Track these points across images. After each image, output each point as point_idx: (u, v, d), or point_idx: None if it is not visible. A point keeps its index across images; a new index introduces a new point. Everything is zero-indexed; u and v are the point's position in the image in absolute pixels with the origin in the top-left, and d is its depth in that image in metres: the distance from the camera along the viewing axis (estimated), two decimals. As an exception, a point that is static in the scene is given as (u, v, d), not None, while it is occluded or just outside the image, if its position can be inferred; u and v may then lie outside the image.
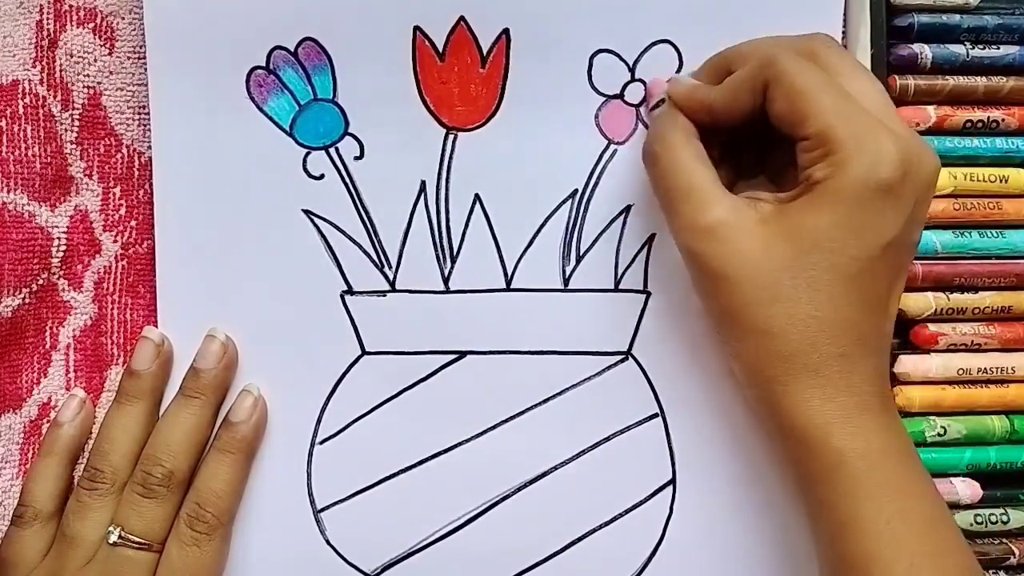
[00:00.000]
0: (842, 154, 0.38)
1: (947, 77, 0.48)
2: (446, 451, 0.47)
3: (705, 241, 0.40)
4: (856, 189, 0.38)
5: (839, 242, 0.38)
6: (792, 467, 0.41)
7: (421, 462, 0.47)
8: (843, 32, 0.48)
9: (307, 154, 0.47)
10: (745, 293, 0.39)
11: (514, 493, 0.47)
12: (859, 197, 0.38)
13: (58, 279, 0.47)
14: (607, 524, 0.47)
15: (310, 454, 0.47)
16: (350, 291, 0.47)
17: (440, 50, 0.47)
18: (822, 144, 0.38)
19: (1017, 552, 0.48)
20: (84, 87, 0.47)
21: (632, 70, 0.47)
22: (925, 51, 0.48)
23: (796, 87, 0.39)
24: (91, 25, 0.47)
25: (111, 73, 0.48)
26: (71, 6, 0.47)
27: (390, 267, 0.47)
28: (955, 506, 0.48)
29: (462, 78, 0.47)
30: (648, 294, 0.48)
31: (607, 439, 0.48)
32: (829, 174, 0.38)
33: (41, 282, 0.47)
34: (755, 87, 0.40)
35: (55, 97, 0.47)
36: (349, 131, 0.47)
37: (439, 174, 0.47)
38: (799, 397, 0.39)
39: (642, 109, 0.47)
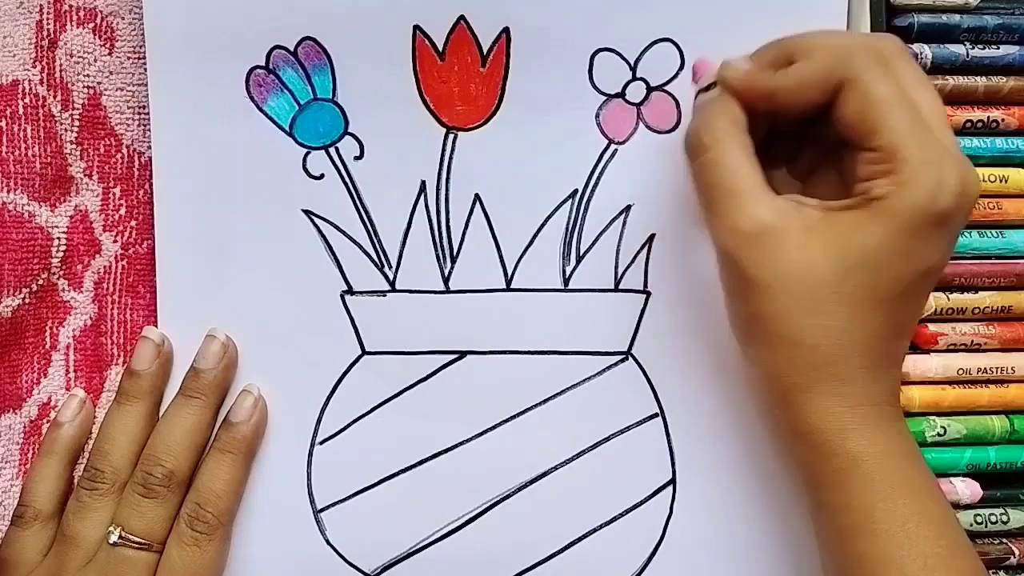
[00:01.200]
0: (906, 175, 0.37)
1: (947, 77, 0.48)
2: (446, 451, 0.47)
3: (748, 246, 0.38)
4: (914, 214, 0.37)
5: (886, 263, 0.37)
6: (803, 469, 0.40)
7: (421, 462, 0.47)
8: (843, 32, 0.48)
9: (307, 154, 0.47)
10: (782, 302, 0.38)
11: (514, 493, 0.47)
12: (915, 222, 0.37)
13: (58, 279, 0.47)
14: (607, 524, 0.47)
15: (310, 454, 0.47)
16: (350, 291, 0.47)
17: (440, 49, 0.47)
18: (888, 160, 0.37)
19: (1017, 552, 0.48)
20: (84, 87, 0.47)
21: (633, 69, 0.47)
22: (925, 51, 0.48)
23: (873, 95, 0.37)
24: (91, 25, 0.47)
25: (111, 73, 0.48)
26: (71, 6, 0.47)
27: (390, 267, 0.47)
28: (955, 506, 0.48)
29: (462, 78, 0.47)
30: (648, 294, 0.48)
31: (607, 439, 0.48)
32: (889, 193, 0.37)
33: (41, 282, 0.47)
34: (827, 84, 0.39)
35: (55, 97, 0.47)
36: (349, 131, 0.47)
37: (439, 174, 0.47)
38: (820, 404, 0.39)
39: (690, 91, 0.46)
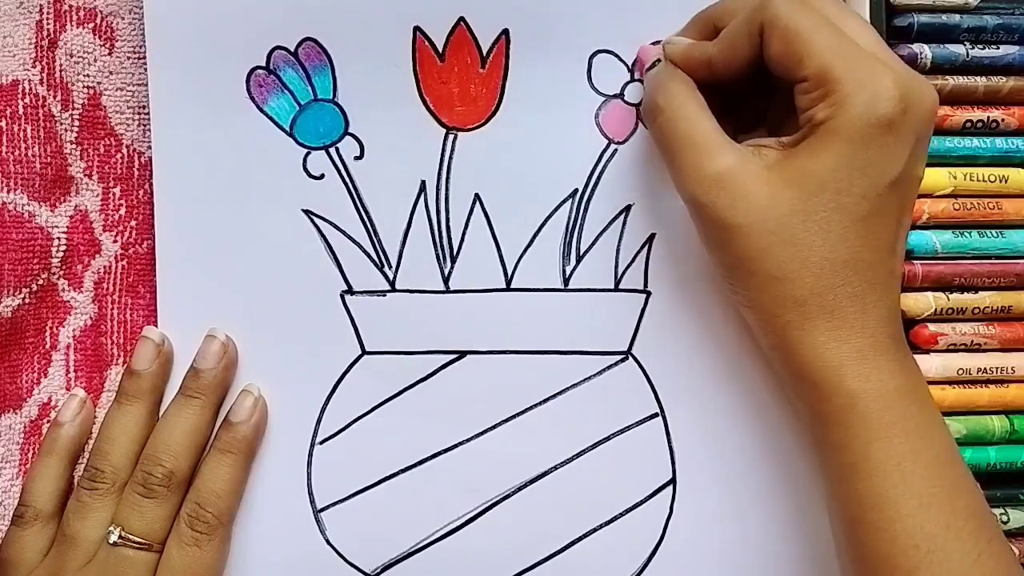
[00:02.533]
0: (841, 93, 0.38)
1: (947, 77, 0.48)
2: (446, 451, 0.47)
3: (713, 191, 0.39)
4: (858, 127, 0.37)
5: (845, 182, 0.38)
6: (805, 409, 0.41)
7: (421, 462, 0.47)
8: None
9: (307, 154, 0.47)
10: (756, 240, 0.39)
11: (514, 493, 0.47)
12: (862, 135, 0.38)
13: (58, 279, 0.47)
14: (607, 524, 0.47)
15: (310, 454, 0.47)
16: (350, 291, 0.47)
17: (440, 50, 0.47)
18: (821, 84, 0.38)
19: (1017, 552, 0.48)
20: (84, 87, 0.47)
21: (632, 70, 0.47)
22: (925, 51, 0.48)
23: (791, 28, 0.38)
24: (91, 25, 0.47)
25: (111, 73, 0.48)
26: (71, 6, 0.47)
27: (390, 267, 0.47)
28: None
29: (462, 78, 0.47)
30: (648, 294, 0.48)
31: (607, 439, 0.47)
32: (830, 114, 0.38)
33: (41, 282, 0.47)
34: (751, 32, 0.40)
35: (55, 97, 0.47)
36: (349, 131, 0.47)
37: (439, 174, 0.47)
38: (815, 340, 0.39)
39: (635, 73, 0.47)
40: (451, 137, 0.47)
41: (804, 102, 0.39)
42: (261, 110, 0.47)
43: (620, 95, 0.47)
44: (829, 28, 0.39)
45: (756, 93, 0.44)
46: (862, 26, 0.40)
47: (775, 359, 0.42)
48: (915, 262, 0.48)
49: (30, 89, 0.46)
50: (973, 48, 0.48)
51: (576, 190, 0.47)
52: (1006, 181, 0.49)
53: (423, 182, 0.47)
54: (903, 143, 0.38)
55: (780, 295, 0.39)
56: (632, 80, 0.47)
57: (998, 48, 0.49)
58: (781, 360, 0.41)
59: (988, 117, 0.49)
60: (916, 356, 0.48)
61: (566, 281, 0.47)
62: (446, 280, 0.47)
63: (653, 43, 0.47)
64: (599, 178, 0.47)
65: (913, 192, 0.41)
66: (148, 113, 0.47)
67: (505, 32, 0.47)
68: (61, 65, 0.47)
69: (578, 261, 0.47)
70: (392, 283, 0.47)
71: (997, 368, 0.49)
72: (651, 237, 0.48)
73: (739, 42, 0.40)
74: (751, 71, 0.41)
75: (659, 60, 0.44)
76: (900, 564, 0.37)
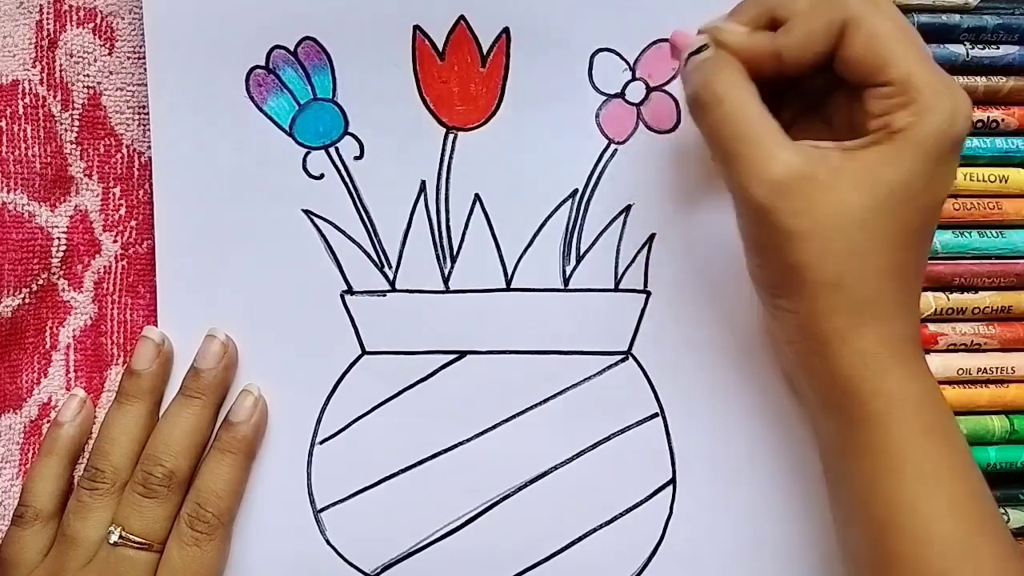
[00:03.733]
0: (924, 103, 0.37)
1: (947, 77, 0.49)
2: (446, 451, 0.47)
3: (782, 195, 0.37)
4: (937, 140, 0.37)
5: (913, 193, 0.37)
6: (836, 417, 0.40)
7: (421, 462, 0.47)
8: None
9: (307, 154, 0.47)
10: (818, 248, 0.37)
11: (514, 493, 0.47)
12: (939, 148, 0.37)
13: (58, 279, 0.47)
14: (607, 524, 0.47)
15: (310, 454, 0.47)
16: (350, 291, 0.47)
17: (440, 49, 0.47)
18: (905, 91, 0.37)
19: (1017, 552, 0.48)
20: (84, 87, 0.47)
21: (633, 69, 0.47)
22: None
23: (877, 31, 0.37)
24: (91, 25, 0.47)
25: (111, 73, 0.48)
26: (71, 6, 0.47)
27: (390, 267, 0.47)
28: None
29: (462, 77, 0.47)
30: (648, 294, 0.48)
31: (607, 439, 0.48)
32: (911, 123, 0.37)
33: (41, 282, 0.47)
34: (830, 30, 0.38)
35: (55, 97, 0.47)
36: (349, 131, 0.47)
37: (439, 174, 0.47)
38: (862, 346, 0.38)
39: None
40: (451, 137, 0.47)
41: (880, 107, 0.38)
42: (260, 110, 0.47)
43: (621, 95, 0.47)
44: (910, 35, 0.38)
45: (778, 92, 0.42)
46: (916, 32, 0.39)
47: (808, 367, 0.40)
48: (915, 262, 0.48)
49: (30, 89, 0.46)
50: (973, 48, 0.49)
51: (576, 190, 0.47)
52: (1006, 181, 0.49)
53: (423, 182, 0.47)
54: (957, 160, 0.39)
55: (835, 303, 0.38)
56: (633, 79, 0.47)
57: (998, 48, 0.49)
58: (819, 367, 0.40)
59: (988, 117, 0.49)
60: (916, 356, 0.48)
61: (566, 281, 0.47)
62: (446, 280, 0.47)
63: (659, 40, 0.47)
64: (599, 178, 0.47)
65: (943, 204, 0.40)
66: (148, 113, 0.47)
67: (505, 31, 0.47)
68: (61, 65, 0.47)
69: (578, 261, 0.47)
70: (392, 283, 0.47)
71: (997, 368, 0.49)
72: (651, 237, 0.48)
73: (816, 38, 0.38)
74: (815, 68, 0.40)
75: (705, 46, 0.40)
76: (935, 567, 0.37)
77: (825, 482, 0.43)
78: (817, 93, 0.42)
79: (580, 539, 0.47)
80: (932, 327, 0.49)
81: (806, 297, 0.38)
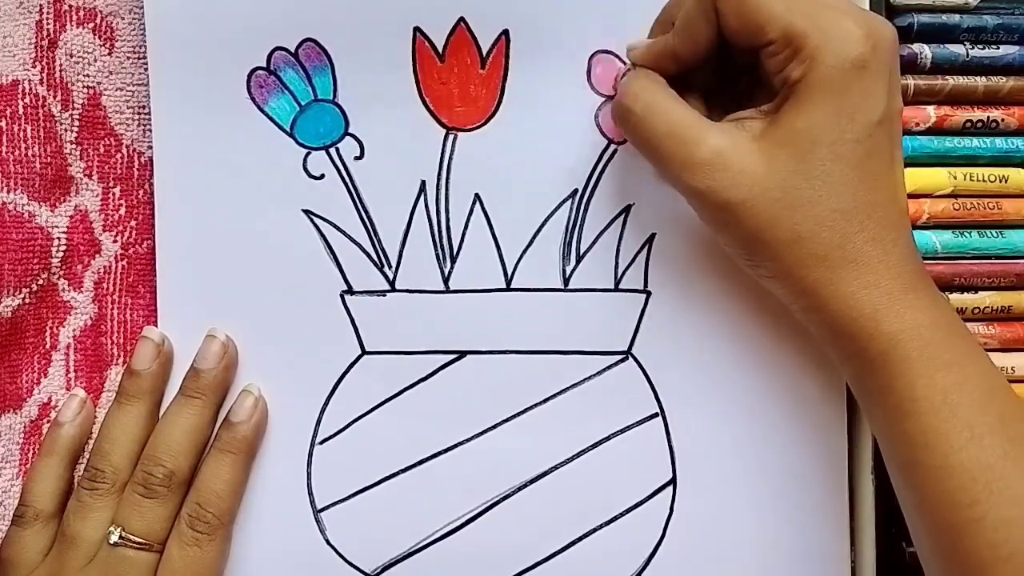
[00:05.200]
0: (810, 47, 0.38)
1: (947, 77, 0.48)
2: (446, 451, 0.47)
3: (707, 175, 0.39)
4: (835, 75, 0.38)
5: (836, 131, 0.38)
6: (847, 364, 0.41)
7: (421, 462, 0.47)
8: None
9: (307, 154, 0.47)
10: (764, 211, 0.39)
11: (514, 493, 0.47)
12: (840, 82, 0.38)
13: (58, 279, 0.47)
14: (607, 524, 0.47)
15: (310, 454, 0.47)
16: (350, 291, 0.47)
17: (440, 51, 0.47)
18: (788, 44, 0.38)
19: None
20: (84, 87, 0.47)
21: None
22: (925, 51, 0.48)
23: None
24: (91, 25, 0.47)
25: (111, 73, 0.48)
26: (71, 6, 0.47)
27: (390, 267, 0.47)
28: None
29: (462, 78, 0.47)
30: (648, 294, 0.48)
31: (607, 439, 0.47)
32: (805, 70, 0.38)
33: (41, 282, 0.47)
34: (706, 13, 0.40)
35: (55, 97, 0.47)
36: (349, 131, 0.47)
37: (439, 174, 0.47)
38: (844, 291, 0.39)
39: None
40: (451, 137, 0.47)
41: (774, 64, 0.39)
42: (261, 110, 0.47)
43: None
44: None
45: (723, 75, 0.44)
46: None
47: (811, 322, 0.41)
48: (915, 262, 0.48)
49: (30, 89, 0.46)
50: (973, 48, 0.48)
51: (576, 190, 0.47)
52: (1006, 181, 0.49)
53: (423, 182, 0.47)
54: (879, 80, 0.39)
55: (801, 257, 0.39)
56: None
57: (998, 48, 0.49)
58: (817, 320, 0.40)
59: (988, 117, 0.49)
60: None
61: (566, 281, 0.47)
62: (446, 280, 0.47)
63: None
64: (599, 178, 0.47)
65: (898, 125, 0.41)
66: (148, 113, 0.47)
67: (505, 32, 0.47)
68: (61, 65, 0.47)
69: (578, 261, 0.47)
70: (392, 283, 0.47)
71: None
72: (651, 237, 0.47)
73: (696, 26, 0.40)
74: (713, 52, 0.41)
75: (628, 70, 0.44)
76: (959, 499, 0.36)
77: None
78: (741, 76, 0.43)
79: (580, 539, 0.47)
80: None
81: (775, 259, 0.40)
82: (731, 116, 0.41)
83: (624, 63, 0.47)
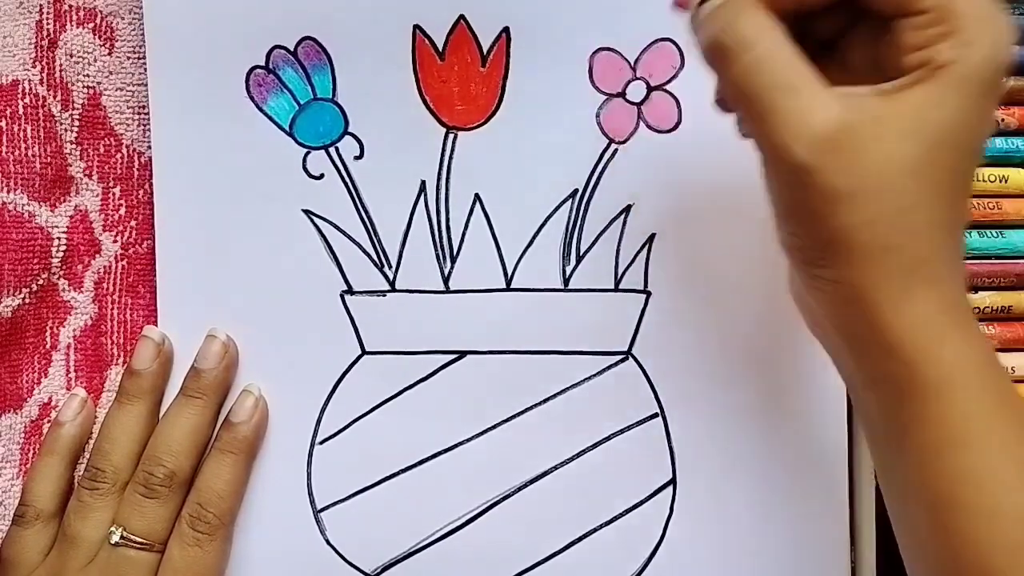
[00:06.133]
0: (970, 33, 0.32)
1: (947, 77, 0.48)
2: (446, 451, 0.47)
3: (823, 152, 0.32)
4: (987, 73, 0.33)
5: (966, 135, 0.33)
6: (888, 387, 0.35)
7: (421, 462, 0.47)
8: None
9: (307, 154, 0.47)
10: (870, 208, 0.33)
11: (514, 493, 0.47)
12: (989, 82, 0.33)
13: (58, 279, 0.47)
14: (607, 524, 0.47)
15: (310, 454, 0.48)
16: (350, 291, 0.47)
17: (440, 49, 0.47)
18: (942, 20, 0.33)
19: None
20: (84, 87, 0.47)
21: (634, 68, 0.47)
22: (925, 51, 0.48)
23: None
24: (91, 25, 0.47)
25: (111, 73, 0.48)
26: (71, 6, 0.47)
27: (390, 267, 0.47)
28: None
29: (462, 77, 0.47)
30: (648, 294, 0.48)
31: (607, 439, 0.48)
32: (956, 56, 0.32)
33: (41, 282, 0.47)
34: None
35: (55, 97, 0.47)
36: (349, 130, 0.47)
37: (439, 174, 0.47)
38: (917, 311, 0.34)
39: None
40: (451, 136, 0.47)
41: (917, 39, 0.33)
42: (260, 109, 0.47)
43: (621, 94, 0.47)
44: None
45: (810, 33, 0.37)
46: None
47: (852, 338, 0.36)
48: (915, 262, 0.48)
49: (30, 89, 0.46)
50: (974, 48, 0.48)
51: (576, 190, 0.47)
52: (1006, 181, 0.49)
53: (423, 182, 0.47)
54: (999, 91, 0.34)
55: (885, 268, 0.33)
56: (634, 79, 0.47)
57: (999, 48, 0.49)
58: (864, 338, 0.35)
59: (988, 117, 0.49)
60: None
61: (566, 281, 0.47)
62: (446, 280, 0.47)
63: (660, 39, 0.47)
64: (599, 178, 0.47)
65: None
66: (148, 113, 0.47)
67: (505, 31, 0.47)
68: (61, 65, 0.47)
69: (578, 261, 0.47)
70: (392, 283, 0.47)
71: (997, 368, 0.49)
72: (651, 237, 0.47)
73: None
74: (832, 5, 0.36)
75: None
76: (1003, 542, 0.33)
77: (874, 461, 0.39)
78: (829, 33, 0.38)
79: (580, 539, 0.47)
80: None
81: (853, 264, 0.34)
82: (841, 90, 0.34)
83: (626, 61, 0.47)
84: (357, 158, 0.47)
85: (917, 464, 0.35)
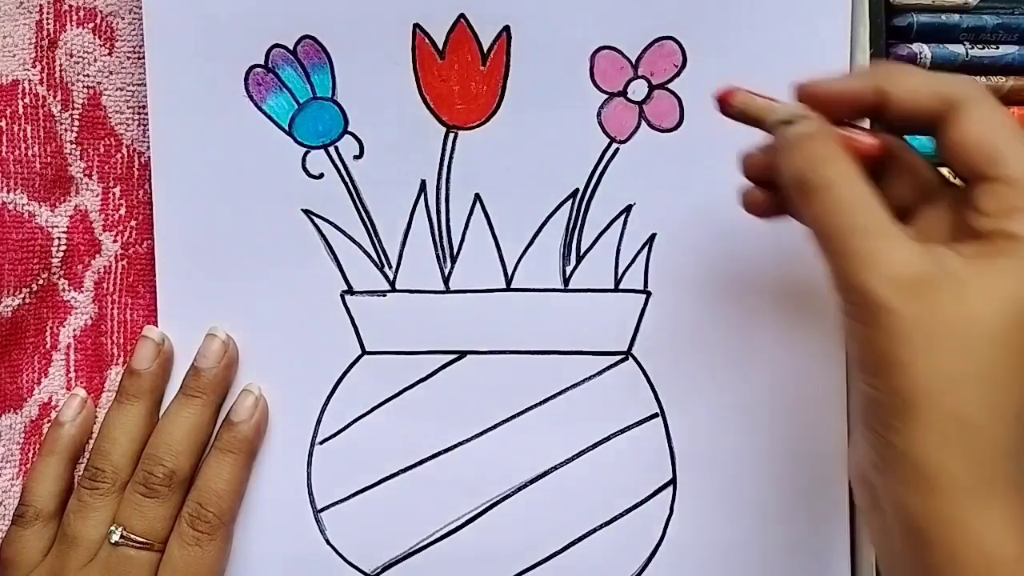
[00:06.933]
0: None
1: (947, 77, 0.48)
2: (446, 451, 0.47)
3: (909, 295, 0.31)
4: None
5: None
6: (907, 565, 0.32)
7: (421, 462, 0.47)
8: (844, 32, 0.47)
9: (306, 153, 0.47)
10: (947, 368, 0.30)
11: (514, 493, 0.47)
12: None
13: (58, 279, 0.47)
14: (607, 524, 0.47)
15: (310, 454, 0.48)
16: (350, 291, 0.47)
17: (440, 48, 0.47)
18: (1019, 187, 0.32)
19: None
20: (84, 87, 0.47)
21: (635, 67, 0.47)
22: (924, 51, 0.48)
23: (993, 120, 0.33)
24: (91, 25, 0.47)
25: (111, 73, 0.48)
26: (71, 6, 0.47)
27: (390, 267, 0.47)
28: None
29: (462, 76, 0.47)
30: (648, 294, 0.48)
31: (607, 439, 0.48)
32: None
33: (41, 282, 0.47)
34: (938, 99, 0.34)
35: (55, 97, 0.47)
36: (348, 130, 0.47)
37: (439, 173, 0.47)
38: (983, 517, 0.30)
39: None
40: (451, 136, 0.47)
41: (993, 206, 0.32)
42: (260, 109, 0.47)
43: (623, 93, 0.47)
44: (1021, 132, 0.33)
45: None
46: None
47: (911, 528, 0.31)
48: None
49: (30, 89, 0.46)
50: (973, 48, 0.48)
51: (577, 189, 0.47)
52: (1006, 181, 0.49)
53: (423, 181, 0.47)
54: None
55: (963, 448, 0.30)
56: (636, 77, 0.47)
57: (998, 48, 0.49)
58: (940, 537, 0.31)
59: (988, 117, 0.49)
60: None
61: (566, 281, 0.47)
62: (446, 280, 0.47)
63: (661, 37, 0.46)
64: (600, 177, 0.47)
65: None
66: (148, 113, 0.47)
67: (506, 29, 0.47)
68: (61, 65, 0.47)
69: (578, 261, 0.47)
70: (392, 283, 0.47)
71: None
72: (651, 237, 0.47)
73: (923, 97, 0.34)
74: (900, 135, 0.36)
75: (795, 119, 0.36)
76: None
77: None
78: (908, 200, 0.37)
79: (580, 539, 0.47)
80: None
81: (918, 440, 0.31)
82: (919, 243, 0.33)
83: (628, 59, 0.47)
84: (357, 157, 0.47)
85: None
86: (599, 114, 0.47)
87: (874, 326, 0.32)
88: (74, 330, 0.48)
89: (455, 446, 0.47)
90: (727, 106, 0.38)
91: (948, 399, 0.30)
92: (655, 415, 0.48)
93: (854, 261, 0.32)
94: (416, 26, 0.46)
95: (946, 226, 0.35)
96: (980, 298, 0.31)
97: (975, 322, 0.31)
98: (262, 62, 0.47)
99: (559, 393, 0.47)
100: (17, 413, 0.47)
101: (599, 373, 0.48)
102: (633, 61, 0.47)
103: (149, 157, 0.47)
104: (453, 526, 0.47)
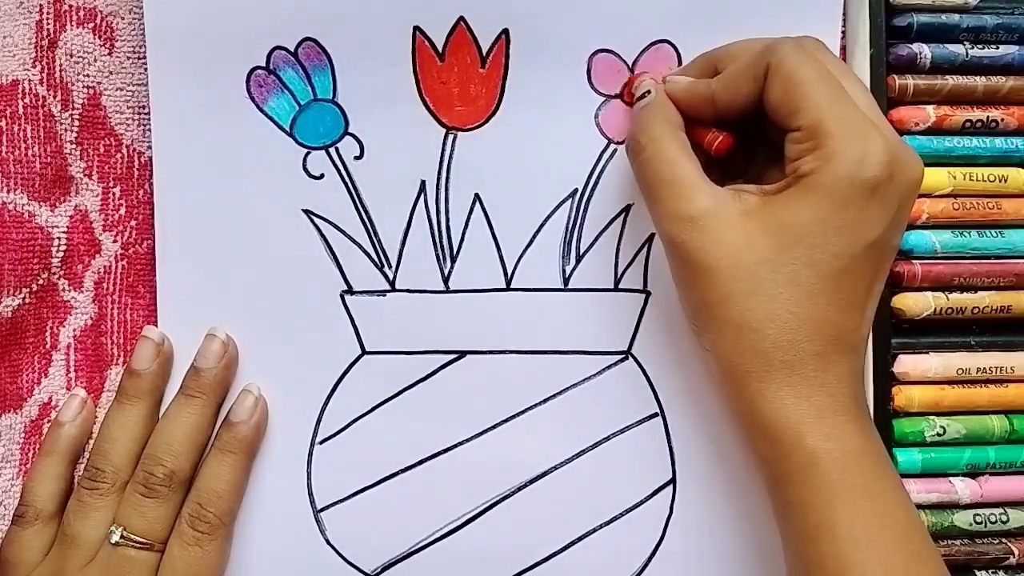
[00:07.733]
0: (830, 148, 0.37)
1: (946, 77, 0.48)
2: (446, 451, 0.47)
3: (687, 231, 0.39)
4: (842, 185, 0.37)
5: (821, 238, 0.38)
6: (765, 467, 0.40)
7: (421, 462, 0.47)
8: (842, 32, 0.48)
9: (307, 154, 0.47)
10: (724, 285, 0.39)
11: (514, 493, 0.47)
12: (844, 194, 0.37)
13: (58, 279, 0.47)
14: (607, 524, 0.47)
15: (310, 454, 0.48)
16: (350, 291, 0.47)
17: (440, 50, 0.47)
18: (812, 136, 0.38)
19: (1017, 552, 0.48)
20: (84, 87, 0.47)
21: (632, 70, 0.47)
22: (924, 51, 0.48)
23: (795, 75, 0.38)
24: (91, 25, 0.47)
25: (111, 73, 0.48)
26: (71, 6, 0.47)
27: (390, 267, 0.47)
28: (955, 506, 0.48)
29: (462, 78, 0.47)
30: (648, 294, 0.48)
31: (607, 439, 0.48)
32: (816, 168, 0.38)
33: (41, 282, 0.47)
34: (756, 74, 0.40)
35: (55, 97, 0.47)
36: (349, 131, 0.47)
37: (439, 174, 0.47)
38: (774, 394, 0.38)
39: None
40: (451, 137, 0.47)
41: (793, 151, 0.39)
42: (261, 110, 0.47)
43: (620, 95, 0.47)
44: (831, 83, 0.39)
45: (745, 139, 0.43)
46: (860, 88, 0.40)
47: (735, 410, 0.41)
48: (914, 262, 0.48)
49: (30, 89, 0.46)
50: (973, 48, 0.48)
51: (576, 190, 0.47)
52: (1006, 181, 0.49)
53: (423, 182, 0.47)
54: (885, 208, 0.38)
55: (742, 344, 0.39)
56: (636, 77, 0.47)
57: (998, 48, 0.49)
58: (741, 412, 0.40)
59: (988, 117, 0.49)
60: (915, 356, 0.48)
61: (566, 281, 0.48)
62: (446, 280, 0.47)
63: (658, 40, 0.47)
64: (599, 178, 0.47)
65: (889, 258, 0.40)
66: (148, 113, 0.47)
67: (505, 32, 0.47)
68: (61, 65, 0.47)
69: (578, 261, 0.47)
70: (392, 283, 0.47)
71: (997, 368, 0.49)
72: (651, 237, 0.48)
73: (744, 82, 0.40)
74: (749, 114, 0.41)
75: (648, 92, 0.44)
76: None
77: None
78: (762, 146, 0.43)
79: (580, 539, 0.47)
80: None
81: (718, 335, 0.40)
82: (733, 186, 0.41)
83: (624, 62, 0.47)
84: (357, 158, 0.47)
85: (791, 547, 0.40)
86: (597, 115, 0.47)
87: (671, 255, 0.41)
88: (74, 330, 0.48)
89: (455, 446, 0.47)
90: (628, 93, 0.47)
91: (724, 309, 0.39)
92: (655, 415, 0.48)
93: (655, 206, 0.41)
94: (416, 28, 0.47)
95: (778, 175, 0.40)
96: (759, 228, 0.39)
97: (751, 248, 0.38)
98: (263, 64, 0.47)
99: (559, 393, 0.48)
100: (17, 413, 0.47)
101: (599, 373, 0.48)
102: (630, 64, 0.47)
103: (149, 157, 0.48)
104: (453, 526, 0.47)
